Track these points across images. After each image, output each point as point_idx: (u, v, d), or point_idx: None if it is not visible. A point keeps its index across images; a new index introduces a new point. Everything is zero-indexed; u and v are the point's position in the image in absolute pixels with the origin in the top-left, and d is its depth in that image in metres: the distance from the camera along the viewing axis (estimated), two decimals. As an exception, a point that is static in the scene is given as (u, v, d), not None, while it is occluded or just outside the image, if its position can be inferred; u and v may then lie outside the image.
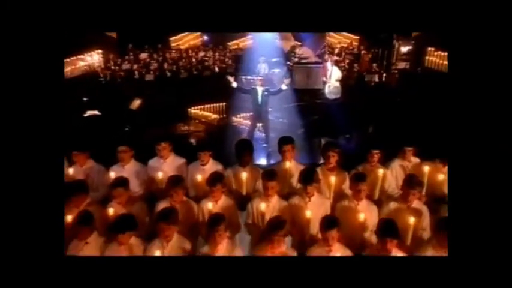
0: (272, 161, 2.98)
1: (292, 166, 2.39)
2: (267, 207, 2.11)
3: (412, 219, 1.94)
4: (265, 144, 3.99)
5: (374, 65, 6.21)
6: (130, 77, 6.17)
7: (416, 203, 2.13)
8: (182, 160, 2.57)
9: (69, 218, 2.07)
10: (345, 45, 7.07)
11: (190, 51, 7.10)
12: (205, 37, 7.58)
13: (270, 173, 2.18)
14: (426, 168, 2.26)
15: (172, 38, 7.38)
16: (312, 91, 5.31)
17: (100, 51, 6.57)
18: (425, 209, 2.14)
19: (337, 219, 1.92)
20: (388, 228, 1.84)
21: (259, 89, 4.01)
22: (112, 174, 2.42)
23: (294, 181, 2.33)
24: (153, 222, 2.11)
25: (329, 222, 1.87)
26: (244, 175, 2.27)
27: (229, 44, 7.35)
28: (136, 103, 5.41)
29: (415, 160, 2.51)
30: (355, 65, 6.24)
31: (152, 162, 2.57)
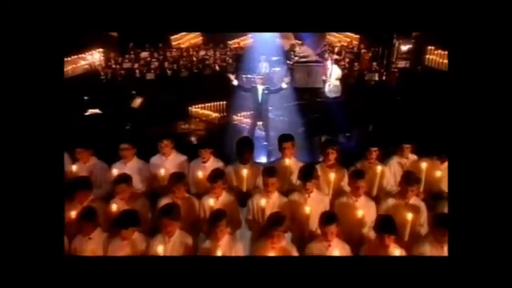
0: (272, 159, 3.01)
1: (292, 163, 2.43)
2: (267, 203, 2.14)
3: (409, 215, 1.97)
4: (265, 143, 4.02)
5: (374, 63, 6.22)
6: (131, 76, 6.20)
7: (414, 200, 2.16)
8: (184, 157, 2.61)
9: (73, 214, 2.11)
10: (345, 44, 7.07)
11: (191, 50, 7.11)
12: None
13: (270, 170, 2.22)
14: (424, 165, 2.29)
15: (173, 37, 7.39)
16: (312, 90, 5.33)
17: (101, 50, 6.60)
18: (422, 205, 2.17)
19: (336, 214, 1.96)
20: (386, 224, 1.87)
21: (260, 88, 4.04)
22: (115, 171, 2.46)
23: (294, 178, 2.37)
24: (155, 218, 2.15)
25: (328, 218, 1.90)
26: (244, 172, 2.30)
27: (230, 42, 7.37)
28: (137, 102, 5.44)
29: (413, 157, 2.54)
30: (356, 63, 6.25)
31: (154, 159, 2.60)
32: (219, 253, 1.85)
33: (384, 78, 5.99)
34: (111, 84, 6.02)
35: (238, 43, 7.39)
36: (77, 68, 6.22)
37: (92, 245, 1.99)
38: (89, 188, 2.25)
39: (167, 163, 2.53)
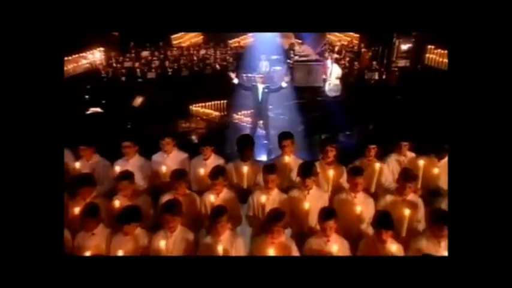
0: (272, 157, 3.04)
1: (292, 160, 2.46)
2: (267, 199, 2.17)
3: (407, 211, 2.01)
4: (265, 141, 4.05)
5: (374, 62, 6.24)
6: (132, 75, 6.23)
7: (411, 196, 2.19)
8: (185, 155, 2.64)
9: (76, 210, 2.15)
10: (345, 43, 7.10)
11: (191, 49, 7.14)
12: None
13: (270, 167, 2.25)
14: (421, 162, 2.32)
15: (173, 36, 7.43)
16: (312, 89, 5.35)
17: (102, 49, 6.63)
18: (420, 202, 2.21)
19: (334, 210, 1.99)
20: (384, 219, 1.91)
21: (260, 87, 4.06)
22: (117, 169, 2.50)
23: (294, 175, 2.40)
24: (157, 214, 2.18)
25: (327, 213, 1.94)
26: (245, 169, 2.33)
27: (231, 42, 7.40)
28: (138, 100, 5.47)
29: (411, 155, 2.57)
30: (356, 62, 6.27)
31: (156, 156, 2.64)
32: (219, 248, 1.88)
33: (384, 77, 6.01)
34: (112, 83, 6.06)
35: (239, 42, 7.42)
36: (78, 67, 6.25)
37: (95, 240, 2.03)
38: (92, 184, 2.29)
39: (169, 160, 2.56)
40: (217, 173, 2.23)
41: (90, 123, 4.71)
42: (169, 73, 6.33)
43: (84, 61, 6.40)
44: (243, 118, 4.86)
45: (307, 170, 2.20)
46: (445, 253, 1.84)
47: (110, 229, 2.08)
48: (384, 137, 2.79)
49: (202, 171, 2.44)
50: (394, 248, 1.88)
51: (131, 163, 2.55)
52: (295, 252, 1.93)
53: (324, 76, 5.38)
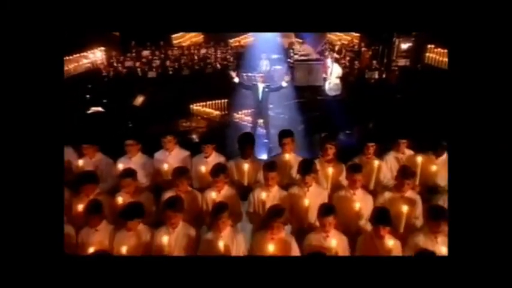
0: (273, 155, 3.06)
1: (292, 158, 2.50)
2: (268, 196, 2.21)
3: (405, 208, 2.04)
4: (266, 140, 4.08)
5: (374, 62, 6.26)
6: (133, 74, 6.27)
7: (409, 193, 2.23)
8: (186, 153, 2.68)
9: (80, 207, 2.19)
10: (346, 43, 7.12)
11: (192, 48, 7.17)
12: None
13: (270, 165, 2.28)
14: (419, 160, 2.35)
15: (174, 36, 7.45)
16: (312, 88, 5.38)
17: (103, 48, 6.66)
18: (418, 198, 2.24)
19: (333, 206, 2.02)
20: (381, 215, 1.94)
21: (260, 86, 4.09)
22: (120, 166, 2.54)
23: (294, 172, 2.43)
24: (159, 211, 2.22)
25: (326, 209, 1.97)
26: (246, 166, 2.37)
27: (231, 41, 7.42)
28: (139, 100, 5.51)
29: (409, 152, 2.60)
30: (356, 62, 6.30)
31: (158, 154, 2.67)
32: (220, 244, 1.91)
33: (384, 76, 6.04)
34: (113, 83, 6.10)
35: (239, 41, 7.44)
36: (79, 66, 6.28)
37: (99, 236, 2.07)
38: (95, 182, 2.32)
39: (170, 158, 2.60)
40: (218, 170, 2.26)
41: (92, 122, 4.75)
42: (170, 72, 6.36)
43: (85, 60, 6.43)
44: (243, 117, 4.89)
45: (307, 167, 2.23)
46: (442, 248, 1.88)
47: (113, 225, 2.12)
48: (383, 136, 2.81)
49: (203, 168, 2.48)
50: (391, 243, 1.91)
51: (134, 161, 2.59)
52: (295, 248, 1.97)
53: (324, 75, 5.40)
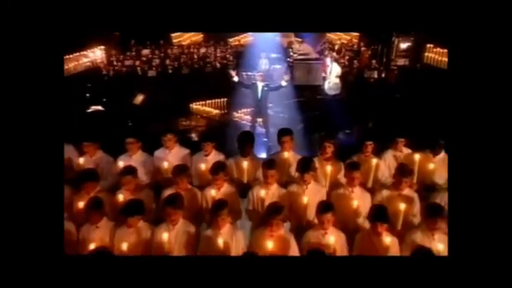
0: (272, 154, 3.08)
1: (291, 156, 2.51)
2: (267, 194, 2.23)
3: (403, 206, 2.06)
4: (265, 139, 4.09)
5: (373, 61, 6.28)
6: (132, 73, 6.27)
7: (407, 191, 2.25)
8: (186, 151, 2.70)
9: (80, 204, 2.21)
10: (345, 42, 7.14)
11: (191, 48, 7.18)
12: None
13: (269, 162, 2.30)
14: (417, 158, 2.37)
15: (173, 34, 7.45)
16: (312, 87, 5.40)
17: (103, 47, 6.67)
18: (415, 196, 2.26)
19: (331, 203, 2.04)
20: (379, 213, 1.96)
21: (260, 85, 4.11)
22: (120, 164, 2.55)
23: (292, 170, 2.45)
24: (159, 209, 2.24)
25: (324, 206, 1.99)
26: (245, 164, 2.39)
27: (231, 40, 7.43)
28: (139, 98, 5.52)
29: (407, 151, 2.62)
30: (355, 61, 6.31)
31: (158, 152, 2.69)
32: (220, 241, 1.93)
33: (383, 75, 6.06)
34: (113, 82, 6.10)
35: (239, 40, 7.45)
36: (79, 65, 6.28)
37: (99, 233, 2.08)
38: (96, 179, 2.34)
39: (170, 156, 2.61)
40: (218, 168, 2.28)
41: (92, 121, 4.76)
42: (170, 71, 6.37)
43: (85, 59, 6.44)
44: (243, 116, 4.91)
45: (305, 165, 2.25)
46: (439, 245, 1.90)
47: (113, 222, 2.14)
48: (382, 135, 2.83)
49: (203, 166, 2.49)
50: (389, 240, 1.93)
51: (134, 159, 2.60)
52: (293, 245, 1.99)
53: (323, 74, 5.42)
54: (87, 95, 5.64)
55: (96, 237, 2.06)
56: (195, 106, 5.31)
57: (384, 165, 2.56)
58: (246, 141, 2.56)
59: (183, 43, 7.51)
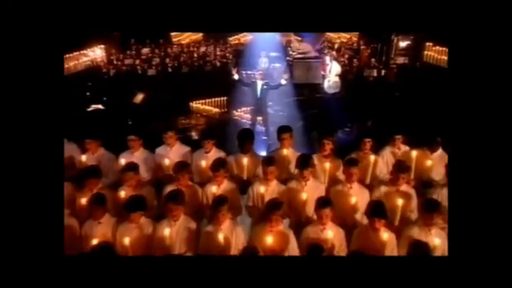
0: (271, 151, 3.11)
1: (290, 153, 2.54)
2: (266, 190, 2.26)
3: (400, 201, 2.09)
4: (265, 137, 4.12)
5: (373, 60, 6.30)
6: (132, 72, 6.29)
7: (404, 187, 2.28)
8: (187, 148, 2.73)
9: (83, 200, 2.24)
10: (345, 41, 7.16)
11: (191, 46, 7.19)
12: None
13: (269, 159, 2.34)
14: (414, 154, 2.40)
15: (173, 33, 7.46)
16: (311, 85, 5.42)
17: (103, 46, 6.68)
18: (413, 192, 2.29)
19: (330, 199, 2.08)
20: (377, 209, 1.99)
21: (259, 83, 4.13)
22: (122, 161, 2.58)
23: (292, 167, 2.48)
24: (160, 205, 2.27)
25: (323, 202, 2.02)
26: (245, 161, 2.42)
27: (230, 39, 7.44)
28: (139, 97, 5.54)
29: (405, 147, 2.66)
30: (355, 60, 6.33)
31: (159, 150, 2.72)
32: (220, 236, 1.96)
33: (382, 74, 6.08)
34: (113, 80, 6.12)
35: (239, 39, 7.47)
36: (78, 64, 6.30)
37: (102, 229, 2.11)
38: (98, 176, 2.37)
39: (171, 153, 2.64)
40: (218, 165, 2.31)
41: (94, 118, 4.78)
42: (170, 70, 6.39)
43: (85, 58, 6.45)
44: (242, 115, 4.93)
45: (304, 162, 2.28)
46: (436, 240, 1.94)
47: (115, 218, 2.17)
48: (382, 133, 2.86)
49: (203, 163, 2.52)
50: (386, 236, 1.96)
51: (136, 156, 2.63)
52: (292, 240, 2.02)
53: (323, 73, 5.44)
54: (88, 93, 5.66)
55: (98, 233, 2.09)
56: (195, 105, 5.33)
57: (381, 162, 2.59)
58: (246, 138, 2.59)
59: (183, 42, 7.53)
